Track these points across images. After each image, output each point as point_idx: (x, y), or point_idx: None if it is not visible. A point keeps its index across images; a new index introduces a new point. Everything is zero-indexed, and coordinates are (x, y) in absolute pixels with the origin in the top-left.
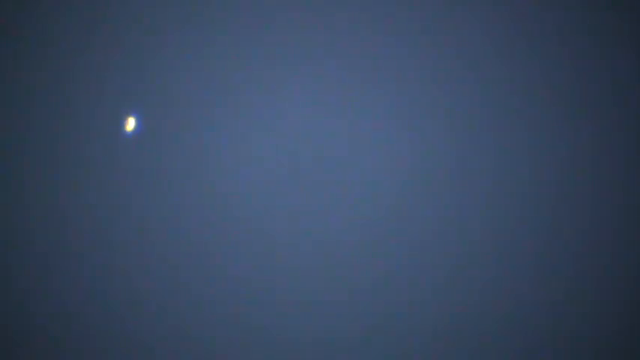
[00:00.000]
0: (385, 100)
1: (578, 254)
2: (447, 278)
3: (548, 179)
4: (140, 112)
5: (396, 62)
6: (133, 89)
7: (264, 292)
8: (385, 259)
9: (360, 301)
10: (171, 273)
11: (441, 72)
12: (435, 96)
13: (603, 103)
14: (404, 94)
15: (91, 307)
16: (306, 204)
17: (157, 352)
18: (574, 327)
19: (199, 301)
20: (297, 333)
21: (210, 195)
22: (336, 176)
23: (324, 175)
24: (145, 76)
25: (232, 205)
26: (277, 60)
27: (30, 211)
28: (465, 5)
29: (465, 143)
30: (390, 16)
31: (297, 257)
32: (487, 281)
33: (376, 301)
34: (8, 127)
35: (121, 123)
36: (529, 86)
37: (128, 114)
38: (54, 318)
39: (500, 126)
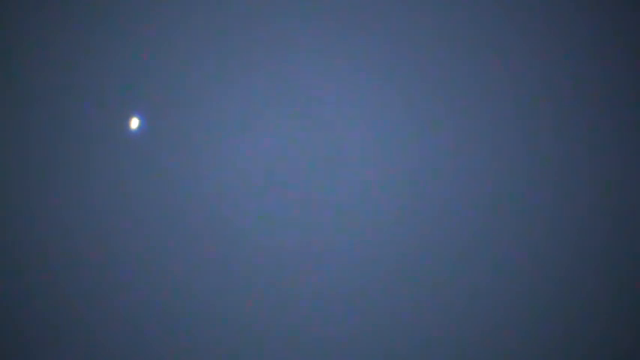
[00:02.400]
0: (389, 99)
1: (588, 255)
2: (450, 279)
3: (549, 180)
4: (141, 110)
5: (402, 61)
6: (132, 87)
7: (270, 291)
8: (386, 260)
9: (365, 303)
10: (173, 272)
11: (445, 70)
12: (439, 95)
13: (619, 103)
14: (408, 92)
15: (89, 305)
16: (308, 204)
17: (159, 352)
18: (577, 328)
19: (197, 300)
20: (295, 334)
21: (213, 193)
22: (342, 175)
23: (328, 174)
24: (145, 74)
25: (237, 203)
26: (283, 58)
27: (30, 210)
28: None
29: (468, 143)
30: (396, 12)
31: (302, 256)
32: (490, 282)
33: (379, 302)
34: (9, 127)
35: (122, 122)
36: (535, 85)
37: (129, 113)
38: (51, 316)
39: (504, 125)
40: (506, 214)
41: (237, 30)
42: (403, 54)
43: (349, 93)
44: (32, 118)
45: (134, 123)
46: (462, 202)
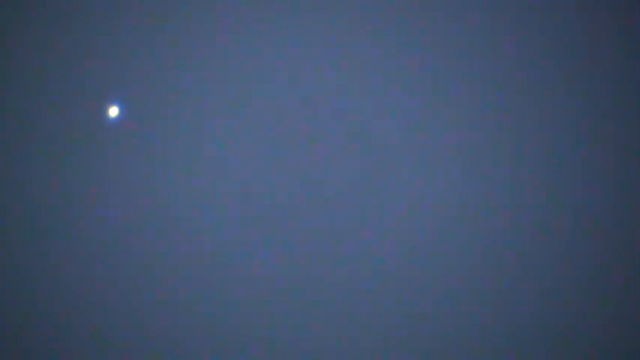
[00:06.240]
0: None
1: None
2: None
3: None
4: (124, 100)
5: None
6: (115, 77)
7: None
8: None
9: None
10: (158, 265)
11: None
12: (443, 94)
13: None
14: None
15: (69, 297)
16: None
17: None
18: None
19: (186, 294)
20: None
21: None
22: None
23: (328, 174)
24: (128, 65)
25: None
26: (286, 63)
27: (11, 201)
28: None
29: (470, 143)
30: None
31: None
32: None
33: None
34: None
35: (104, 111)
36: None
37: (110, 102)
38: (26, 306)
39: (507, 124)
40: (511, 213)
41: (231, 27)
42: (404, 53)
43: (346, 92)
44: (15, 111)
45: (114, 111)
46: (473, 202)
